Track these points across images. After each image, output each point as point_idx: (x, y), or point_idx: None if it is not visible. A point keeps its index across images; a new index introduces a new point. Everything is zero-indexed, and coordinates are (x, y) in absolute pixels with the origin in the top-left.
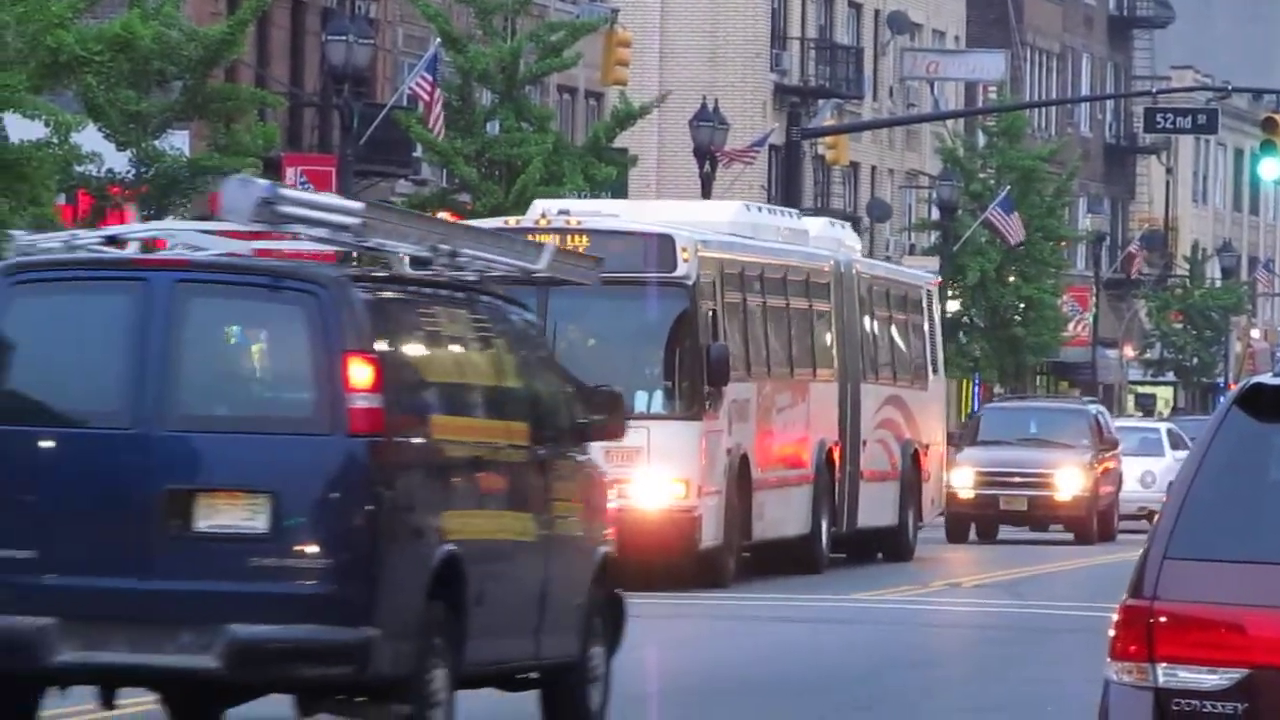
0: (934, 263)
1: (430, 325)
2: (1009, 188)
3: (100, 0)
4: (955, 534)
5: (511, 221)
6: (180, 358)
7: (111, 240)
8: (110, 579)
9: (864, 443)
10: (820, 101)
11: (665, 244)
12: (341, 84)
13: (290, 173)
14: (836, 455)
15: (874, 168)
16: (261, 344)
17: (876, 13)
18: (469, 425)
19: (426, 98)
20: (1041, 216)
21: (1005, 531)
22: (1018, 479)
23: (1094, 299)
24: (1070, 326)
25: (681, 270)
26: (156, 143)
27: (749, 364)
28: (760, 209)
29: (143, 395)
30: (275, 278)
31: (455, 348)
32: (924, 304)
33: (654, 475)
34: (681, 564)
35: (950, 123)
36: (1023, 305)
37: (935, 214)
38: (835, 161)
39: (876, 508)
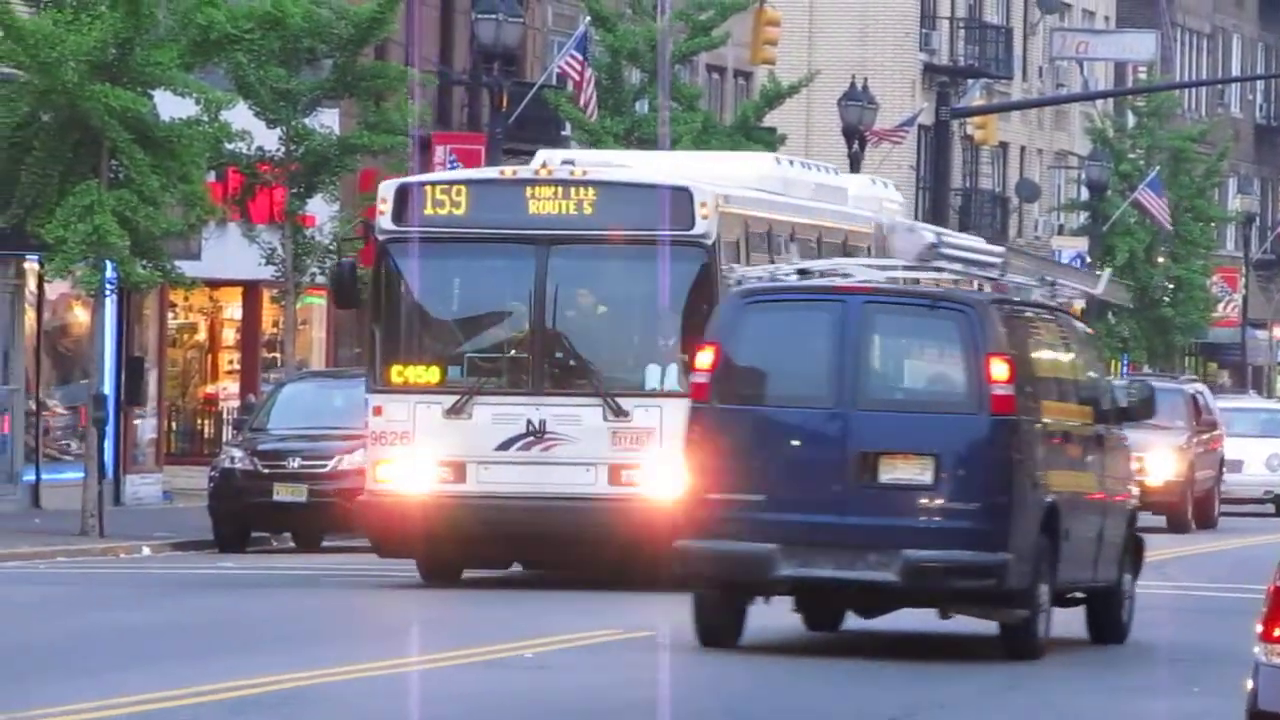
0: (1083, 243)
1: (1034, 335)
2: (1158, 168)
3: None
4: None
5: (508, 172)
6: (869, 357)
7: (802, 272)
8: (818, 515)
9: None
10: (969, 81)
11: (681, 198)
12: (491, 62)
13: (440, 151)
14: None
15: (1023, 148)
16: (926, 348)
17: None
18: (1061, 408)
19: (576, 76)
20: (1191, 197)
21: None
22: None
23: (1243, 280)
24: (1219, 307)
25: (700, 227)
26: (306, 120)
27: None
28: (793, 162)
29: (842, 384)
30: (936, 300)
31: (1049, 351)
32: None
33: (667, 460)
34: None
35: (1100, 103)
36: (1172, 286)
37: (1084, 194)
38: (984, 141)
39: None
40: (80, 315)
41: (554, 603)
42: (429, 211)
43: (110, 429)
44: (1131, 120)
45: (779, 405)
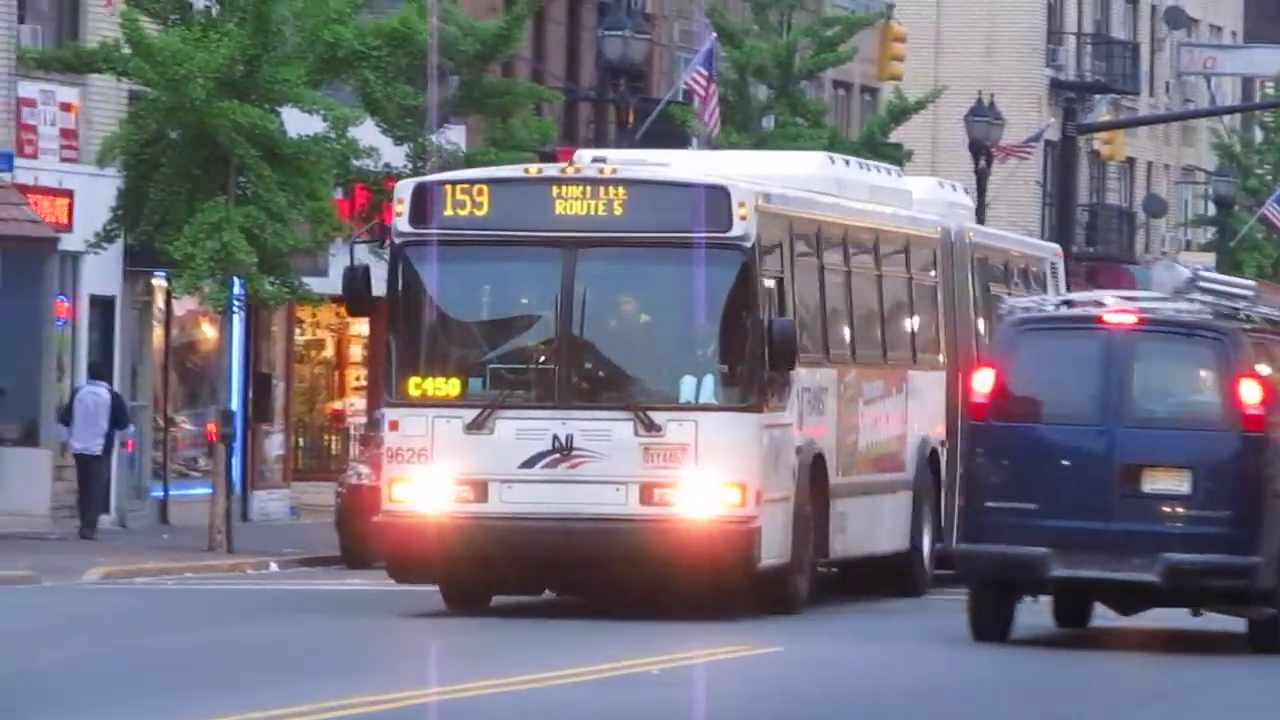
0: (1210, 259)
1: (1273, 357)
2: None
3: None
4: None
5: (532, 171)
6: (1131, 379)
7: (1066, 303)
8: (1086, 522)
9: None
10: (1096, 97)
11: (718, 197)
12: (618, 78)
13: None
14: (944, 457)
15: (1150, 163)
16: (1184, 371)
17: (1153, 7)
18: None
19: (702, 92)
20: None
21: None
22: None
23: None
24: None
25: (738, 229)
26: (433, 137)
27: (827, 345)
28: (849, 162)
29: (1108, 403)
30: (1193, 328)
31: None
32: (1047, 278)
33: (702, 478)
34: (737, 585)
35: (1227, 118)
36: None
37: (1211, 210)
38: (1111, 157)
39: None
40: (208, 332)
41: (627, 631)
42: (449, 213)
43: (238, 445)
44: (1259, 135)
45: (1051, 422)
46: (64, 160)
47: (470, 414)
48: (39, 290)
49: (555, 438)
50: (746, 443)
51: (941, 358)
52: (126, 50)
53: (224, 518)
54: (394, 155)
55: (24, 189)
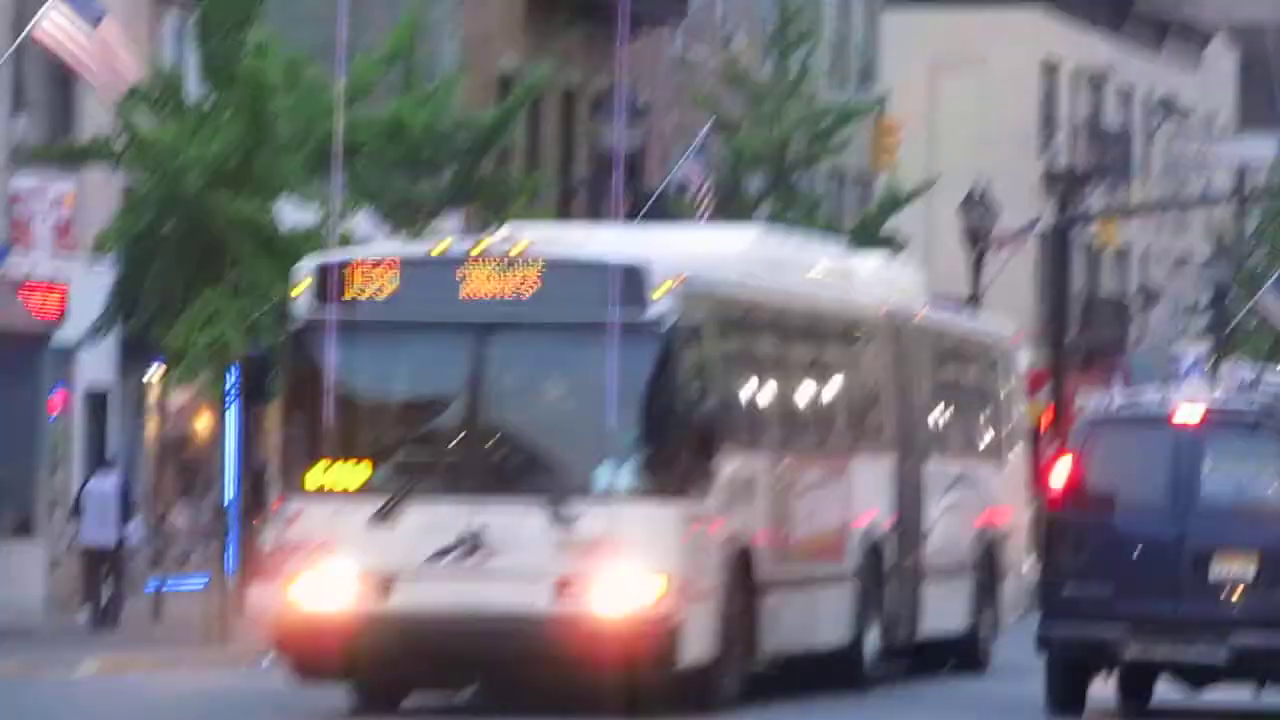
0: (1204, 347)
1: None
2: None
3: (375, 86)
4: None
5: (439, 250)
6: (1200, 469)
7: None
8: (1157, 604)
9: (926, 533)
10: (1090, 186)
11: (634, 277)
12: (613, 169)
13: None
14: (889, 548)
15: (1145, 250)
16: (1249, 462)
17: (1147, 98)
18: None
19: (696, 183)
20: None
21: None
22: None
23: None
24: None
25: (655, 311)
26: (428, 228)
27: (755, 432)
28: (787, 239)
29: (1178, 493)
30: (1257, 421)
31: None
32: (999, 363)
33: (619, 573)
34: (656, 685)
35: (1222, 205)
36: None
37: (1208, 296)
38: (1106, 244)
39: (943, 611)
40: (203, 424)
41: None
42: (352, 294)
43: (233, 538)
44: (1252, 224)
45: (1125, 511)
46: (59, 253)
47: (373, 505)
48: (33, 383)
49: (463, 531)
50: (666, 534)
51: (883, 444)
52: (121, 143)
53: (219, 611)
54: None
55: (16, 284)
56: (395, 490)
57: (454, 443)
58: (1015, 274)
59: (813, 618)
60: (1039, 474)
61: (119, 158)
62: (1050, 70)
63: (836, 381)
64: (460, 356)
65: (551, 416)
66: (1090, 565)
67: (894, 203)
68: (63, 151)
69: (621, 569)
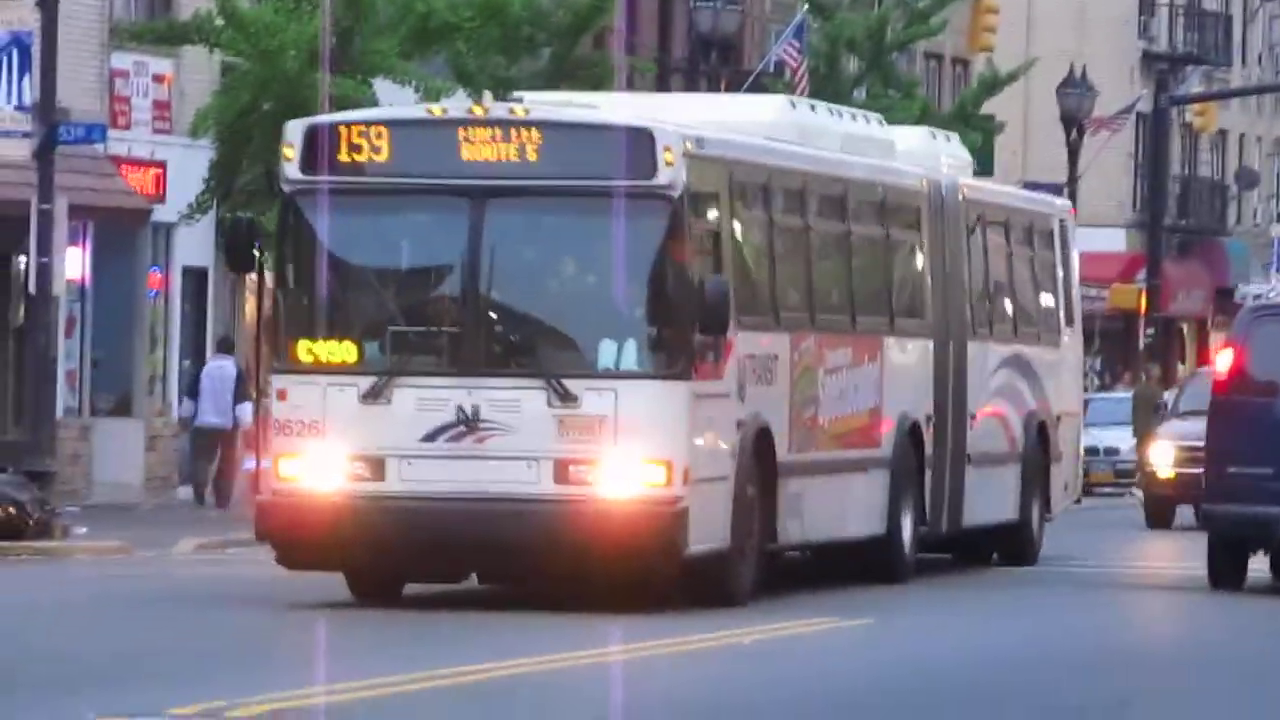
0: None
1: None
2: None
3: None
4: (1156, 519)
5: (436, 111)
6: None
7: None
8: None
9: (973, 416)
10: (1189, 68)
11: (641, 141)
12: (709, 50)
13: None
14: (928, 433)
15: (1242, 135)
16: None
17: None
18: None
19: (793, 64)
20: None
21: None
22: None
23: None
24: None
25: (663, 177)
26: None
27: (777, 308)
28: (815, 107)
29: None
30: None
31: None
32: (1055, 238)
33: (623, 454)
34: (663, 572)
35: None
36: None
37: None
38: (1203, 129)
39: (989, 499)
40: None
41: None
42: (344, 158)
43: None
44: None
45: None
46: (156, 132)
47: (366, 382)
48: (132, 262)
49: (460, 409)
50: (673, 415)
51: (924, 324)
52: (220, 22)
53: None
54: None
55: (116, 160)
56: (388, 367)
57: (450, 317)
58: (1113, 158)
59: (842, 505)
60: (1127, 356)
61: (217, 37)
62: None
63: (869, 256)
64: (458, 225)
65: (554, 290)
66: (1251, 448)
67: (991, 85)
68: (162, 30)
69: (625, 451)
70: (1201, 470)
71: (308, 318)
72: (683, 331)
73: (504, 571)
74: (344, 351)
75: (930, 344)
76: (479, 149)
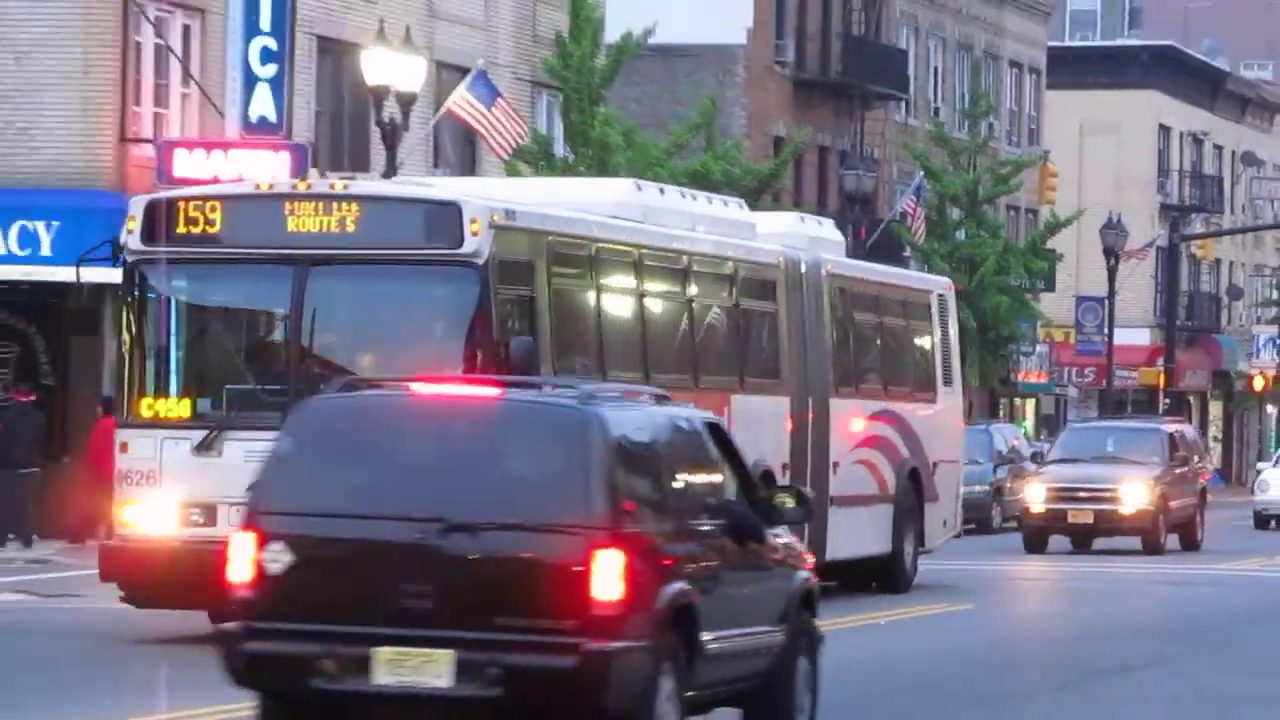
0: (1275, 329)
1: None
2: None
3: (686, 145)
4: (1033, 545)
5: (263, 186)
6: None
7: None
8: None
9: (834, 464)
10: (1193, 215)
11: (448, 213)
12: (853, 204)
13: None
14: (784, 478)
15: (1232, 262)
16: None
17: (1233, 153)
18: None
19: (912, 213)
20: None
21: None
22: (1084, 494)
23: None
24: None
25: (469, 245)
26: None
27: (604, 367)
28: (664, 190)
29: None
30: None
31: None
32: (932, 310)
33: None
34: None
35: None
36: None
37: (1276, 294)
38: (1204, 258)
39: (859, 535)
40: None
41: None
42: (181, 230)
43: None
44: None
45: None
46: None
47: (198, 435)
48: None
49: None
50: None
51: (778, 383)
52: None
53: None
54: None
55: None
56: (218, 421)
57: (277, 374)
58: (1140, 278)
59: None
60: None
61: None
62: (1165, 132)
63: (715, 322)
64: (283, 291)
65: (370, 349)
66: None
67: (1054, 227)
68: None
69: None
70: (1065, 506)
71: (147, 376)
72: None
73: None
74: (179, 407)
75: (787, 400)
76: (303, 221)
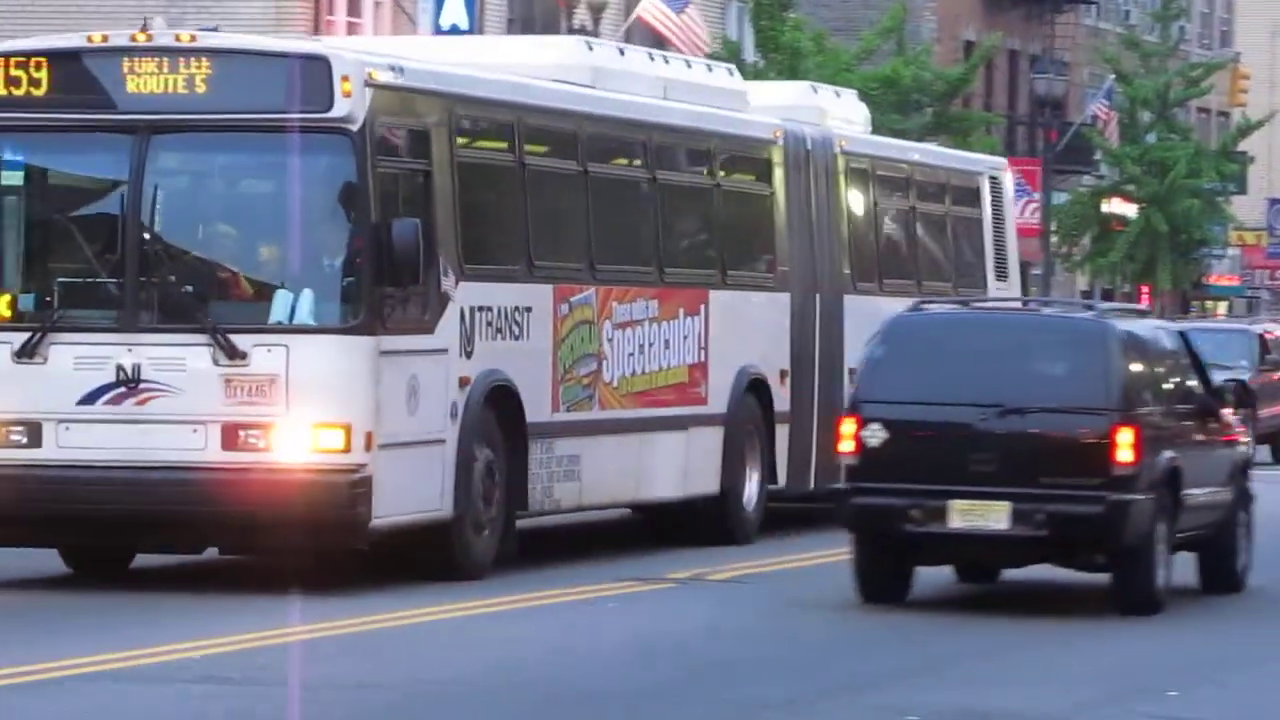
0: None
1: None
2: None
3: (876, 51)
4: None
5: (96, 39)
6: None
7: None
8: None
9: (851, 370)
10: None
11: (316, 69)
12: (1044, 108)
13: (1009, 173)
14: (783, 388)
15: None
16: None
17: None
18: None
19: (1104, 117)
20: None
21: None
22: None
23: None
24: None
25: (341, 109)
26: None
27: (530, 258)
28: (624, 51)
29: None
30: None
31: None
32: (982, 195)
33: (294, 418)
34: (347, 547)
35: None
36: None
37: None
38: None
39: None
40: None
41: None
42: (1, 92)
43: None
44: None
45: None
46: None
47: (19, 338)
48: None
49: (120, 368)
50: (352, 373)
51: (775, 276)
52: None
53: None
54: None
55: None
56: (42, 322)
57: (111, 266)
58: None
59: (650, 466)
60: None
61: None
62: None
63: (689, 207)
64: (120, 164)
65: (223, 235)
66: None
67: (1245, 129)
68: None
69: (298, 414)
70: None
71: None
72: (366, 280)
73: (173, 543)
74: None
75: (787, 298)
76: (145, 81)
